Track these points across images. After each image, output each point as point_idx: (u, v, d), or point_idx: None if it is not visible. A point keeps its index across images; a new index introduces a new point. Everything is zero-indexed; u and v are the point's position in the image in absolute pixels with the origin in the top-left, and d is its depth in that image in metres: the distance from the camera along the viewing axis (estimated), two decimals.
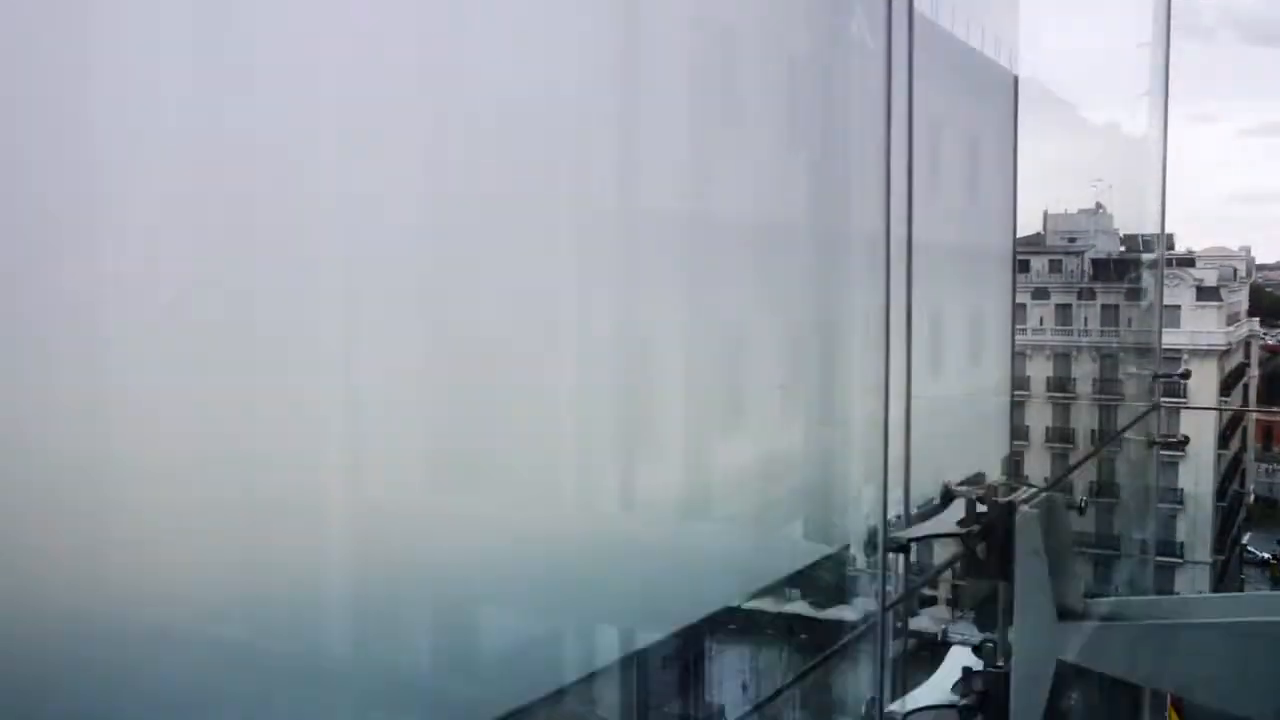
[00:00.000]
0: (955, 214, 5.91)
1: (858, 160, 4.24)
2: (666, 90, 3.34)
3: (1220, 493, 34.28)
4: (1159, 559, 14.62)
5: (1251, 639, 3.15)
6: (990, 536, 3.29)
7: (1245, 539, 41.27)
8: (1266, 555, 40.10)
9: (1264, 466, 47.24)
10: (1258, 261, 45.76)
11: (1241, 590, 37.86)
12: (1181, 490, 31.94)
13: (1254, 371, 43.59)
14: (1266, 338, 53.22)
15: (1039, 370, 32.15)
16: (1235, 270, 37.48)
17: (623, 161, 3.17)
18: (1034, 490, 3.54)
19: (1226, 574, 35.82)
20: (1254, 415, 44.54)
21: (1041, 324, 35.89)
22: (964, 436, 5.97)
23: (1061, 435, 33.12)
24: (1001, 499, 3.32)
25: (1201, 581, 31.17)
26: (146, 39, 1.89)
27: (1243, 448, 40.26)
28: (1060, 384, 31.93)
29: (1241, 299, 39.00)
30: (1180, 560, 30.05)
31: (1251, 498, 44.20)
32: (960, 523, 3.41)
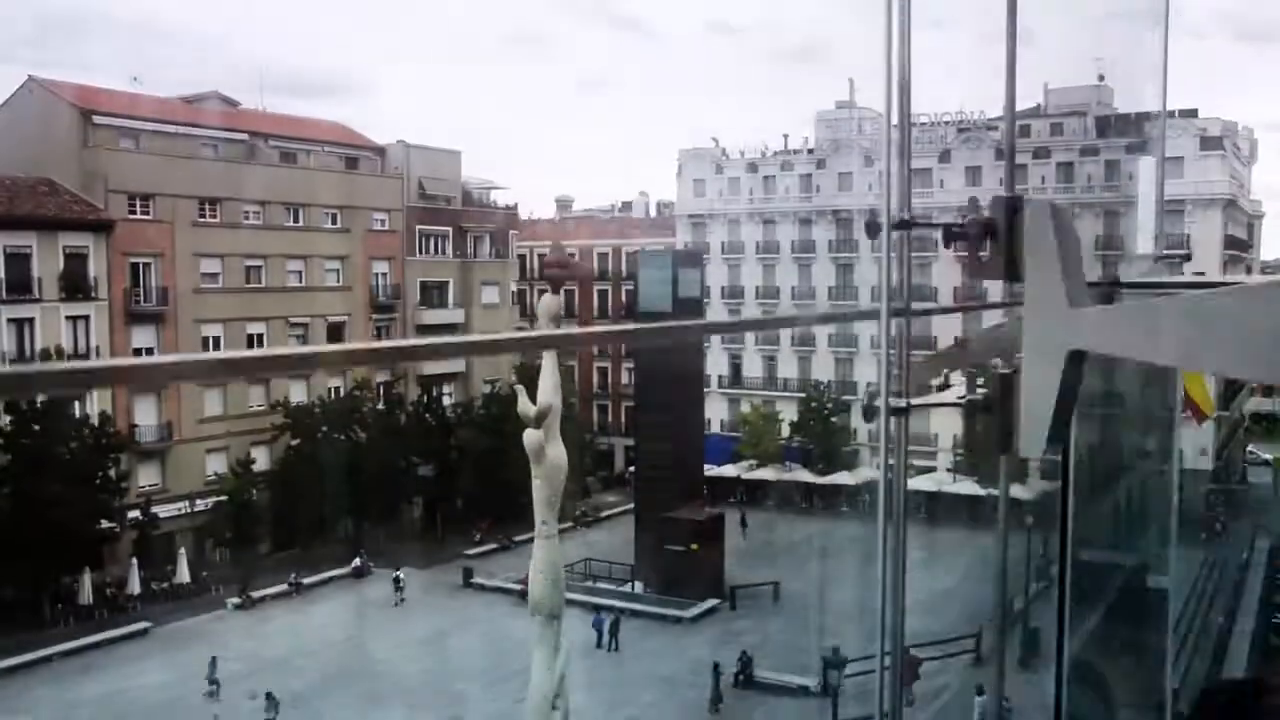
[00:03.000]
0: None
1: None
2: None
3: None
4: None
5: None
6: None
7: (1249, 446, 42.89)
8: (1268, 457, 41.78)
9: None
10: (1260, 259, 44.61)
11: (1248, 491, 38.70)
12: None
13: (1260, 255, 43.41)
14: None
15: None
16: (1238, 146, 35.86)
17: None
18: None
19: (1232, 442, 36.33)
20: None
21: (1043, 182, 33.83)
22: None
23: None
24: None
25: (1205, 437, 30.90)
26: None
27: None
28: None
29: (1246, 174, 37.88)
30: None
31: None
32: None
